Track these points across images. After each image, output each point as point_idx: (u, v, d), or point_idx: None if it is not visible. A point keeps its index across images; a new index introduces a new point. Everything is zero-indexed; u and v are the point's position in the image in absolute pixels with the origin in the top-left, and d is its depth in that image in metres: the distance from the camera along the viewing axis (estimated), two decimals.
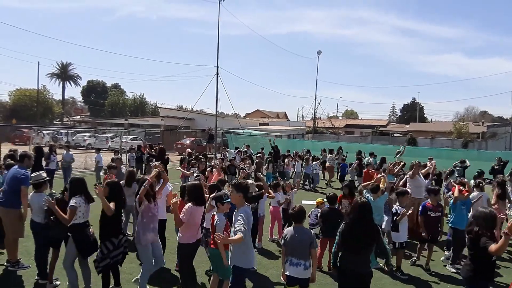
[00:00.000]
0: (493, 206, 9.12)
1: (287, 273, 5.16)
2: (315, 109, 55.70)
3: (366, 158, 18.97)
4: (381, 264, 7.75)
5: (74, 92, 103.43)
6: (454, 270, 7.62)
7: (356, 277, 4.88)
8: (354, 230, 4.92)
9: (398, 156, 16.51)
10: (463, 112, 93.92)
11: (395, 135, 55.77)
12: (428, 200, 7.94)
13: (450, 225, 8.06)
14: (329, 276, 7.17)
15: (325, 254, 7.55)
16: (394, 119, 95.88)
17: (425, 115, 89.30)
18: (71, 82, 72.69)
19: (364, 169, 15.00)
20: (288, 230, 5.31)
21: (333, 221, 7.24)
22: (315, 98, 53.78)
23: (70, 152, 15.55)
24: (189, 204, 5.67)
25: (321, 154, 21.79)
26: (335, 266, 5.25)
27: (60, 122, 61.02)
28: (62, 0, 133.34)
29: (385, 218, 8.18)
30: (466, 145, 44.56)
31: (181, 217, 5.53)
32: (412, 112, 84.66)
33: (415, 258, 8.15)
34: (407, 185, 9.97)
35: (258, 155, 19.82)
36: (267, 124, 60.68)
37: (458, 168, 16.35)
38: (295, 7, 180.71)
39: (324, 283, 6.83)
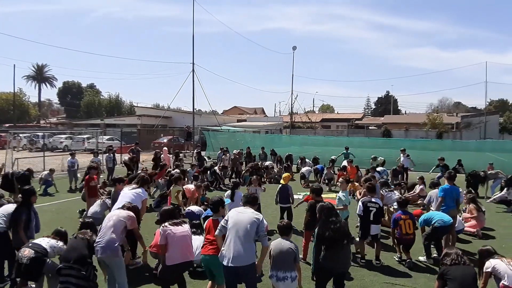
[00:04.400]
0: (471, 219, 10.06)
1: None
2: (292, 104, 56.21)
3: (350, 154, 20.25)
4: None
5: (50, 93, 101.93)
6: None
7: (335, 274, 5.30)
8: (325, 231, 5.35)
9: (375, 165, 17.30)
10: (437, 103, 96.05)
11: (370, 127, 56.67)
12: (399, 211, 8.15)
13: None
14: (310, 268, 7.34)
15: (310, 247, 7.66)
16: (369, 112, 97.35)
17: (399, 108, 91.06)
18: (47, 84, 71.71)
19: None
20: (275, 243, 5.41)
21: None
22: (292, 93, 54.29)
23: None
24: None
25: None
26: (316, 270, 5.53)
27: (37, 125, 59.97)
28: (37, 3, 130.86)
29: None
30: (440, 135, 45.59)
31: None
32: (386, 105, 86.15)
33: (399, 254, 8.10)
34: None
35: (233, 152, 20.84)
36: (245, 120, 60.80)
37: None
38: (270, 4, 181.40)
39: (304, 275, 6.92)
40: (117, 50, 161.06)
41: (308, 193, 8.77)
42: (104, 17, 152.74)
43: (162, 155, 19.34)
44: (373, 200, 7.91)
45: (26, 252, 5.34)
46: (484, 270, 5.29)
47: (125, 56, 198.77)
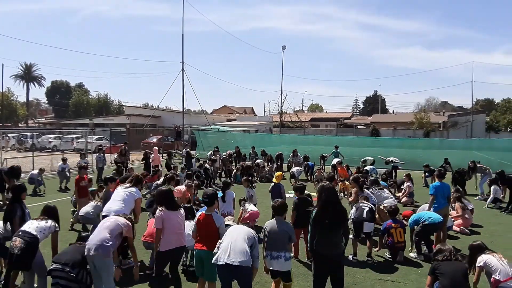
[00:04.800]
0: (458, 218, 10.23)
1: (270, 268, 5.35)
2: (281, 104, 56.26)
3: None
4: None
5: (38, 93, 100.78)
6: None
7: (329, 259, 5.17)
8: (324, 211, 5.20)
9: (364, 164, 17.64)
10: (424, 103, 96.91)
11: (358, 127, 56.99)
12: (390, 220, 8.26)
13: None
14: (302, 265, 7.42)
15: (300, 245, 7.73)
16: (357, 111, 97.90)
17: (386, 107, 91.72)
18: (35, 83, 71.04)
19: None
20: (269, 222, 5.50)
21: (303, 210, 7.43)
22: (281, 92, 54.29)
23: None
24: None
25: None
26: (312, 251, 5.41)
27: (25, 125, 59.35)
28: (25, 2, 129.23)
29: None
30: (428, 134, 46.07)
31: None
32: (374, 104, 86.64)
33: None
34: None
35: (224, 154, 21.13)
36: (234, 120, 60.67)
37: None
38: (260, 3, 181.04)
39: (298, 273, 7.00)
40: (106, 49, 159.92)
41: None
42: (93, 16, 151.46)
43: (152, 155, 19.26)
44: (365, 202, 8.35)
45: (17, 243, 5.31)
46: (476, 265, 5.39)
47: (114, 55, 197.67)
